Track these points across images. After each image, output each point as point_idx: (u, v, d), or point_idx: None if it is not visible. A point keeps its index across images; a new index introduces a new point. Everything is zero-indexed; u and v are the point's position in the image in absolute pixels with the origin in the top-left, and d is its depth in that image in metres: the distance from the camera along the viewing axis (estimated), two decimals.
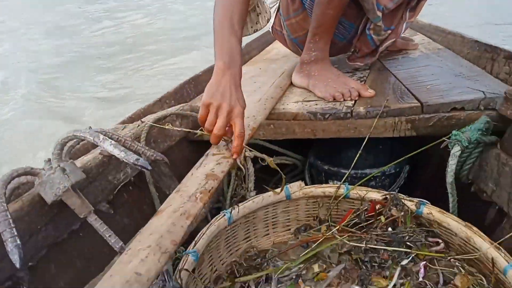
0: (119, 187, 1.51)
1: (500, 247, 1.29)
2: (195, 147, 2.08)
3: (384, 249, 1.41)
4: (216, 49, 1.48)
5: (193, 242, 1.42)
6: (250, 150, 1.85)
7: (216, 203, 1.79)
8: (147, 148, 1.36)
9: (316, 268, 1.48)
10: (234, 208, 1.58)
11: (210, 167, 1.24)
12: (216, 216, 1.54)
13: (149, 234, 0.95)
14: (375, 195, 1.59)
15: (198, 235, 1.45)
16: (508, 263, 1.24)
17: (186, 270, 1.31)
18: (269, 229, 1.76)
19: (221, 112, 1.37)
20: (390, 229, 1.48)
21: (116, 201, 1.52)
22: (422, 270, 1.31)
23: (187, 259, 1.35)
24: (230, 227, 1.62)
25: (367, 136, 1.61)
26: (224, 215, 1.55)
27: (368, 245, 1.42)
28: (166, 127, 1.62)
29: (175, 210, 1.01)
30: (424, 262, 1.34)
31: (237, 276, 1.54)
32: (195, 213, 1.00)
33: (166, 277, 1.14)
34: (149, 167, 1.15)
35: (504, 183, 1.46)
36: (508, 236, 1.37)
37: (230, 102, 1.38)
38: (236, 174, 1.85)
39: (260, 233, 1.75)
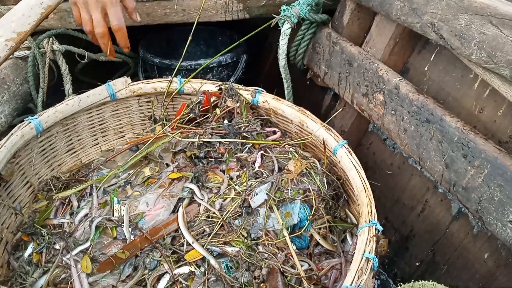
0: None
1: (331, 128, 1.27)
2: None
3: (219, 142, 1.29)
4: None
5: None
6: (60, 43, 1.55)
7: (26, 113, 1.47)
8: None
9: (147, 171, 1.32)
10: (42, 114, 1.30)
11: None
12: (19, 125, 1.26)
13: None
14: (210, 86, 1.44)
15: None
16: (338, 142, 1.22)
17: None
18: (98, 138, 1.53)
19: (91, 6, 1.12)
20: (226, 121, 1.37)
21: None
22: (258, 160, 1.23)
23: None
24: (45, 138, 1.35)
25: (197, 19, 1.42)
26: (30, 122, 1.27)
27: (202, 139, 1.29)
28: None
29: None
30: (260, 152, 1.26)
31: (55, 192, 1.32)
32: None
33: None
34: None
35: (335, 63, 1.43)
36: (336, 113, 1.36)
37: None
38: (51, 74, 1.53)
39: (86, 143, 1.51)
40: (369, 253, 0.95)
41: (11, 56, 1.41)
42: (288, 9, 1.40)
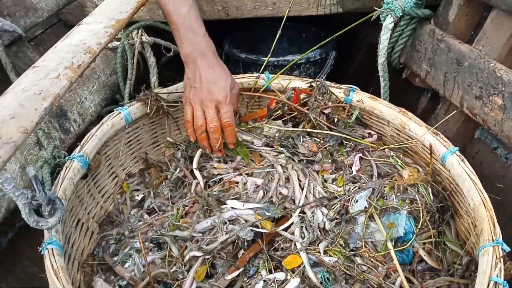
0: None
1: (439, 133, 1.14)
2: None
3: (311, 138, 1.21)
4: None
5: (79, 146, 1.12)
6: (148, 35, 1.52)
7: (113, 104, 1.46)
8: None
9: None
10: (132, 105, 1.28)
11: (79, 38, 0.90)
12: (110, 114, 1.24)
13: None
14: (300, 83, 1.36)
15: (85, 137, 1.15)
16: (448, 149, 1.10)
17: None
18: (182, 132, 1.49)
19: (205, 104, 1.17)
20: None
21: None
22: (357, 163, 1.13)
23: (71, 165, 1.06)
24: (132, 129, 1.33)
25: (287, 12, 1.35)
26: (120, 112, 1.24)
27: (306, 129, 1.22)
28: None
29: (25, 88, 0.69)
30: (358, 154, 1.16)
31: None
32: (55, 92, 0.70)
33: (35, 185, 0.84)
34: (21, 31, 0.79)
35: (439, 62, 1.30)
36: (444, 120, 1.23)
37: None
38: (138, 66, 1.51)
39: (171, 136, 1.47)
40: (497, 276, 0.83)
41: None
42: (392, 1, 1.29)
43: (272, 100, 1.36)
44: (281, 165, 1.14)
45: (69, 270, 1.01)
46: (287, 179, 1.11)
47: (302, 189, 1.08)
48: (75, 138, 1.27)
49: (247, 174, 1.17)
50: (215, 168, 1.22)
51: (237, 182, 1.16)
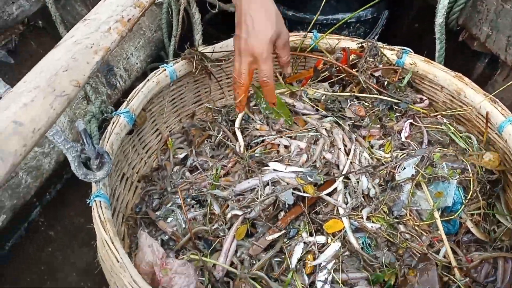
0: (14, 26, 1.14)
1: (497, 100, 1.08)
2: None
3: (365, 98, 1.17)
4: None
5: (125, 101, 1.13)
6: None
7: (157, 60, 1.46)
8: None
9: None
10: (177, 62, 1.27)
11: None
12: (155, 71, 1.24)
13: (39, 72, 0.65)
14: (349, 43, 1.31)
15: (132, 93, 1.16)
16: (506, 118, 1.04)
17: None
18: (224, 92, 1.48)
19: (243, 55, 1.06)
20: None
21: (18, 49, 1.17)
22: (407, 129, 1.09)
23: (118, 121, 1.08)
24: (176, 87, 1.33)
25: None
26: (165, 69, 1.24)
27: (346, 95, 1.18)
28: None
29: (77, 41, 0.69)
30: (409, 120, 1.12)
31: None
32: (106, 46, 0.70)
33: (84, 138, 0.86)
34: None
35: (503, 24, 1.21)
36: (504, 87, 1.16)
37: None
38: (182, 23, 1.50)
39: (213, 95, 1.47)
40: None
41: None
42: None
43: (320, 60, 1.32)
44: (326, 129, 1.11)
45: (114, 223, 1.05)
46: (332, 144, 1.09)
47: (348, 155, 1.05)
48: (121, 93, 1.28)
49: (290, 137, 1.16)
50: (257, 129, 1.21)
51: (279, 145, 1.15)
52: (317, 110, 1.21)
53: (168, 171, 1.22)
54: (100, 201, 0.90)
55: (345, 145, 1.07)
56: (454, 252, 0.99)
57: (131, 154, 1.21)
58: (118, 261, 0.79)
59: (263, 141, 1.18)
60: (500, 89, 1.12)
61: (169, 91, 1.30)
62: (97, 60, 0.69)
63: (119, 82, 1.27)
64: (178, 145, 1.33)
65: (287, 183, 1.00)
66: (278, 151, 1.11)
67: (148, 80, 1.20)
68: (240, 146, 1.15)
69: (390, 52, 1.26)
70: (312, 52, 1.35)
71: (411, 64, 1.23)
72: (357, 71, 1.24)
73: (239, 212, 0.97)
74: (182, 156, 1.27)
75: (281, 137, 1.15)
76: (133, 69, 1.32)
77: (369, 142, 1.13)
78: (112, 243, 0.81)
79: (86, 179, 0.91)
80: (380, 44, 1.27)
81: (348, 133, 1.10)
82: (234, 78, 1.11)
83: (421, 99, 1.22)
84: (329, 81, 1.31)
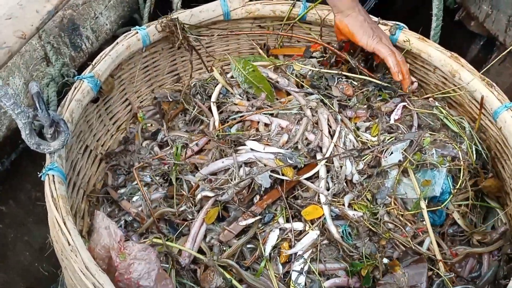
0: None
1: (494, 84, 1.02)
2: None
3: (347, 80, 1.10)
4: None
5: (90, 66, 1.03)
6: None
7: (130, 24, 1.34)
8: None
9: None
10: (150, 26, 1.17)
11: None
12: (126, 34, 1.13)
13: None
14: None
15: (98, 56, 1.06)
16: (502, 103, 0.98)
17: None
18: (203, 60, 1.39)
19: None
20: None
21: None
22: (398, 111, 1.02)
23: (80, 86, 0.97)
24: (149, 53, 1.23)
25: None
26: (137, 32, 1.14)
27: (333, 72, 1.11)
28: None
29: None
30: (402, 103, 1.05)
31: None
32: None
33: (37, 103, 0.76)
34: None
35: (505, 3, 1.15)
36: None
37: None
38: None
39: (189, 65, 1.37)
40: None
41: None
42: None
43: (315, 45, 1.23)
44: (311, 107, 1.03)
45: (73, 199, 0.97)
46: (316, 124, 1.01)
47: (332, 137, 0.98)
48: (87, 57, 1.18)
49: (271, 114, 1.07)
50: (235, 104, 1.12)
51: (259, 123, 1.07)
52: (302, 86, 1.12)
53: (136, 146, 1.14)
54: (53, 175, 0.81)
55: (329, 126, 1.00)
56: (438, 245, 0.94)
57: (96, 124, 1.12)
58: (69, 244, 0.71)
59: (241, 117, 1.09)
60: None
61: (141, 57, 1.20)
62: (49, 9, 0.59)
63: (85, 44, 1.16)
64: (149, 118, 1.24)
65: (265, 165, 0.92)
66: (257, 129, 1.03)
67: (117, 43, 1.10)
68: (215, 121, 1.06)
69: (384, 28, 1.18)
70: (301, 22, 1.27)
71: (404, 41, 1.16)
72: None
73: (210, 194, 0.89)
74: (153, 130, 1.18)
75: (260, 113, 1.06)
76: (101, 31, 1.21)
77: (355, 123, 1.06)
78: (64, 223, 0.73)
79: (38, 150, 0.82)
80: (373, 18, 1.19)
81: (334, 113, 1.02)
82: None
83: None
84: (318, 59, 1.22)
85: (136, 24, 1.26)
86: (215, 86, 1.14)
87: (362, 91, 1.08)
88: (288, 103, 1.08)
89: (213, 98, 1.12)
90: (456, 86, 1.09)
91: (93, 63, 1.03)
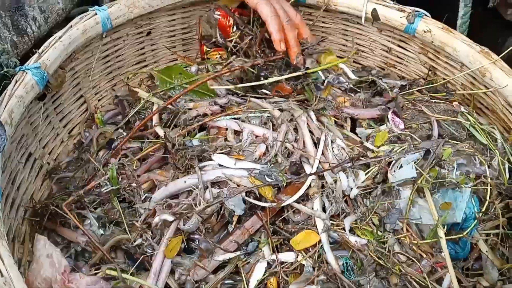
0: None
1: None
2: None
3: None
4: None
5: (36, 54, 1.06)
6: None
7: (88, 3, 1.37)
8: None
9: None
10: (112, 6, 1.19)
11: None
12: (82, 15, 1.16)
13: None
14: None
15: (46, 43, 1.09)
16: None
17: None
18: (178, 52, 1.43)
19: None
20: None
21: None
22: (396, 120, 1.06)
23: (23, 79, 1.00)
24: (111, 40, 1.27)
25: None
26: (96, 14, 1.16)
27: None
28: None
29: None
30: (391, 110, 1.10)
31: None
32: None
33: None
34: None
35: None
36: None
37: None
38: None
39: (163, 55, 1.43)
40: None
41: None
42: None
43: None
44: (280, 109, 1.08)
45: (11, 220, 0.98)
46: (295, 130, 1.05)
47: (316, 145, 1.01)
48: (32, 42, 1.20)
49: (239, 119, 1.10)
50: (190, 109, 1.14)
51: (227, 129, 1.09)
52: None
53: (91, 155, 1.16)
54: None
55: (311, 133, 1.04)
56: (460, 282, 0.96)
57: (42, 127, 1.14)
58: (2, 275, 0.72)
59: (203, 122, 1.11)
60: None
61: (101, 44, 1.24)
62: None
63: (30, 27, 1.18)
64: (110, 120, 1.27)
65: (238, 185, 0.94)
66: (225, 139, 1.05)
67: (71, 26, 1.13)
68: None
69: (400, 14, 1.22)
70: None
71: (425, 32, 1.20)
72: None
73: (170, 218, 0.91)
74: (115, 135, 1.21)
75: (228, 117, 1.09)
76: (52, 11, 1.23)
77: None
78: None
79: None
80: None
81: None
82: None
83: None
84: None
85: (95, 4, 1.29)
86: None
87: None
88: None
89: (155, 121, 1.14)
90: (486, 87, 1.12)
91: (40, 51, 1.06)
